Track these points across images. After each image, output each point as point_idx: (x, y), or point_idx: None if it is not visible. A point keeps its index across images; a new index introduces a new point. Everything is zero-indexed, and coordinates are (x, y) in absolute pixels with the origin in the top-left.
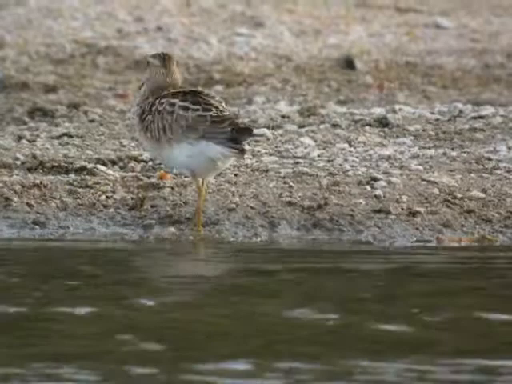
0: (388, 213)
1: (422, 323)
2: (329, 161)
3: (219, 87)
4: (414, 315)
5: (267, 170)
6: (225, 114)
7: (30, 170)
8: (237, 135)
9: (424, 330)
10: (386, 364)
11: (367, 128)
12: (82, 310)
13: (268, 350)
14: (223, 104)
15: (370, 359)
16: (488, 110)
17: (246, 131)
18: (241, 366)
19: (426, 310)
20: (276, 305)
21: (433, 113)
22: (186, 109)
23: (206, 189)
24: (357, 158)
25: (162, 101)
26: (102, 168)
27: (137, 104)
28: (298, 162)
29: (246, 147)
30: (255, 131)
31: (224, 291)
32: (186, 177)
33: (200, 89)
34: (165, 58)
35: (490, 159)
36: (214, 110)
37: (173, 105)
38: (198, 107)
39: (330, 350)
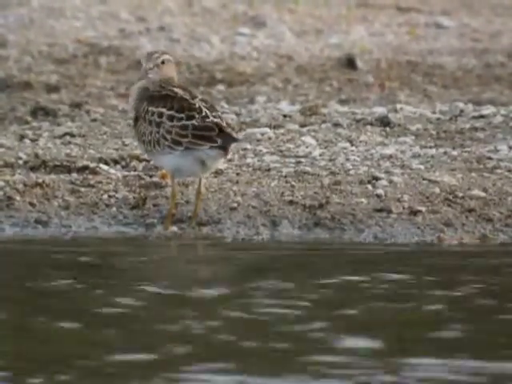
0: (389, 212)
1: None
2: (330, 160)
3: (221, 87)
4: None
5: (269, 170)
6: (207, 120)
7: (32, 169)
8: (220, 141)
9: None
10: None
11: (368, 127)
12: None
13: None
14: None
15: None
16: (489, 110)
17: (229, 137)
18: None
19: None
20: None
21: (434, 112)
22: (172, 118)
23: (202, 189)
24: (358, 157)
25: (153, 110)
26: (104, 167)
27: (133, 107)
28: (299, 162)
29: (229, 151)
30: (240, 137)
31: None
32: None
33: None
34: (149, 56)
35: (490, 158)
36: (197, 116)
37: (161, 115)
38: (182, 115)
39: None
